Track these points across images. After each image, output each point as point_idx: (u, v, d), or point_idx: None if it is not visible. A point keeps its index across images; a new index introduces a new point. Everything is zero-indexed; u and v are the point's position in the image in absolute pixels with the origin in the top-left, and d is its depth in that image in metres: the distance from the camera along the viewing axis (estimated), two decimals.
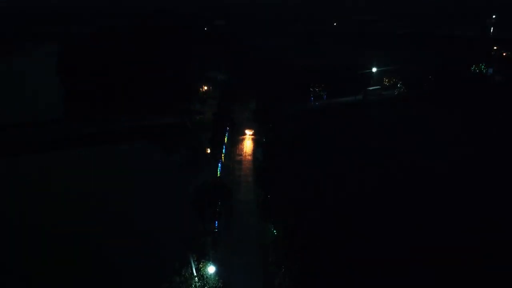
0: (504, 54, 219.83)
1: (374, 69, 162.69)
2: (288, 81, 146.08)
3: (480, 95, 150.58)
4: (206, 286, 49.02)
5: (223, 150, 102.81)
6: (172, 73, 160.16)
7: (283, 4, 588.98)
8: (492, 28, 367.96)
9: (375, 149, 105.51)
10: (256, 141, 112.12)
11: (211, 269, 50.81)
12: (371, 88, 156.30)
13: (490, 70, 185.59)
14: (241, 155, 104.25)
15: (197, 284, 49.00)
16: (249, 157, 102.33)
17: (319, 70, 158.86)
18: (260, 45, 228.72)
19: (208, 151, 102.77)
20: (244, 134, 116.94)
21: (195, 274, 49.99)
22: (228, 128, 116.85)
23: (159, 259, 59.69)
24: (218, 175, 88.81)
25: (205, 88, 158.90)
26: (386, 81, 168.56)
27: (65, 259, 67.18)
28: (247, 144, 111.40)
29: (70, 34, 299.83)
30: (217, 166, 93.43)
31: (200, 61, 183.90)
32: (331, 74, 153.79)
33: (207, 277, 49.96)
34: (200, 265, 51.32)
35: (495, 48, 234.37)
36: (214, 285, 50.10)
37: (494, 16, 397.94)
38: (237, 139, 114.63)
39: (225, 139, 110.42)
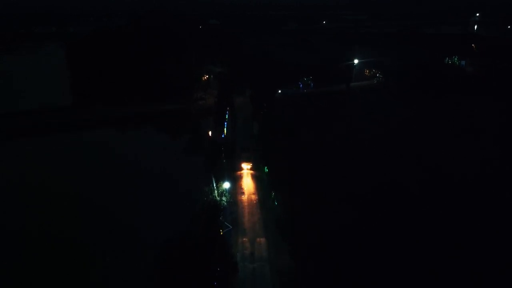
0: (479, 49, 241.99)
1: (356, 61, 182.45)
2: (280, 72, 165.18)
3: (450, 84, 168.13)
4: (223, 195, 68.43)
5: (225, 124, 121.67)
6: (176, 66, 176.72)
7: (277, 4, 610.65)
8: (475, 26, 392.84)
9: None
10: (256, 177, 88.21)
11: (226, 185, 70.20)
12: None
13: (463, 63, 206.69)
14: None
15: (217, 193, 68.37)
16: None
17: (308, 64, 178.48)
18: (255, 43, 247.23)
19: (210, 133, 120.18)
20: (241, 168, 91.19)
21: (215, 188, 69.49)
22: (228, 109, 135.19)
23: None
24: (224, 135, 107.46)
25: (206, 77, 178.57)
26: (367, 73, 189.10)
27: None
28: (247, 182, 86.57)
29: (71, 33, 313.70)
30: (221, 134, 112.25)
31: (201, 55, 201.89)
32: (318, 67, 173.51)
33: (223, 191, 69.54)
34: (218, 185, 70.71)
35: (472, 44, 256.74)
36: (228, 198, 69.68)
37: (477, 14, 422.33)
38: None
39: (226, 117, 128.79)
